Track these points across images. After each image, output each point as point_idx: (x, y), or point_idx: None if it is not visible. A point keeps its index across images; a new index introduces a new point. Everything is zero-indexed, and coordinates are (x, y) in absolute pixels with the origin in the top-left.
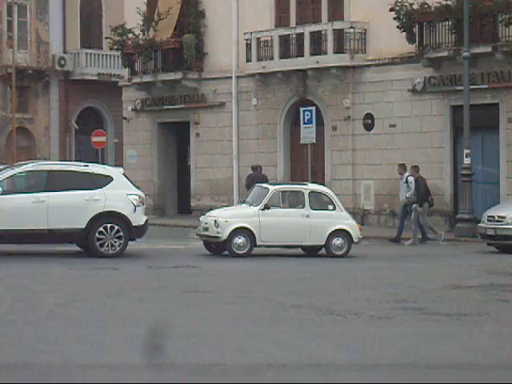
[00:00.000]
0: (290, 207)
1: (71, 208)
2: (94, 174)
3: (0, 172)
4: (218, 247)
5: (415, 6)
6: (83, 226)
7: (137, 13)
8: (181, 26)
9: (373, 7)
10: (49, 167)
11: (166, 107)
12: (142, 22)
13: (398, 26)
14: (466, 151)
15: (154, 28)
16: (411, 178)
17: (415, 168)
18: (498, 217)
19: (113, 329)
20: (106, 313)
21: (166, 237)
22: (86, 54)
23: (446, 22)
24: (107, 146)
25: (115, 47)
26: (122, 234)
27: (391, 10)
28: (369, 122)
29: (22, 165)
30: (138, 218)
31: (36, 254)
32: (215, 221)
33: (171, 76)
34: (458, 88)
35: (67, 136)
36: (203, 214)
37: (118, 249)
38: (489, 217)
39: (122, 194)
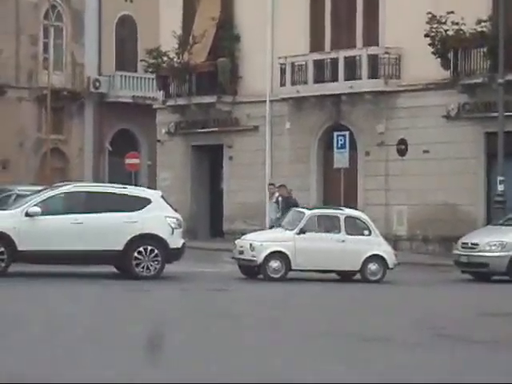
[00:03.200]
0: (326, 232)
1: (108, 230)
2: (132, 196)
3: (39, 193)
4: (252, 271)
5: (450, 33)
6: (121, 248)
7: (172, 36)
8: (215, 50)
9: (407, 33)
10: (87, 189)
11: (200, 130)
12: (177, 46)
13: (432, 52)
14: (499, 178)
15: (188, 51)
16: (282, 198)
17: (284, 187)
18: (472, 244)
19: (140, 353)
20: (135, 336)
21: (199, 260)
22: (121, 76)
23: (481, 49)
24: (141, 169)
25: (150, 70)
26: (159, 256)
27: (426, 36)
28: (402, 148)
29: (60, 186)
30: (175, 241)
31: (71, 275)
32: (251, 244)
33: (205, 99)
34: (493, 114)
35: (101, 158)
36: (238, 238)
37: (154, 271)
38: (463, 244)
39: (160, 217)
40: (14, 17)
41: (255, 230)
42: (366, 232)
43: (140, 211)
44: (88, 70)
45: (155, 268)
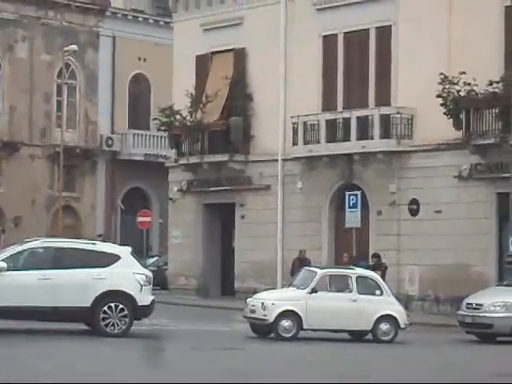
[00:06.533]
0: (338, 291)
1: (77, 286)
2: (101, 252)
3: (7, 249)
4: (264, 330)
5: (462, 93)
6: (88, 305)
7: (185, 95)
8: (228, 109)
9: (420, 93)
10: (55, 244)
11: (212, 189)
12: (189, 104)
13: (444, 113)
14: (511, 239)
15: (201, 110)
16: None
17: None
18: (476, 304)
19: None
20: None
21: (210, 318)
22: (134, 134)
23: (493, 109)
24: (152, 227)
25: (162, 128)
26: (126, 313)
27: (438, 96)
28: (414, 208)
29: (28, 242)
30: (144, 298)
31: (61, 332)
32: (262, 303)
33: (218, 158)
34: (505, 175)
35: (113, 215)
36: (250, 296)
37: (123, 328)
38: (467, 304)
39: (128, 273)
40: (27, 75)
41: (267, 289)
42: (378, 292)
43: (108, 267)
44: (101, 128)
45: (123, 325)
